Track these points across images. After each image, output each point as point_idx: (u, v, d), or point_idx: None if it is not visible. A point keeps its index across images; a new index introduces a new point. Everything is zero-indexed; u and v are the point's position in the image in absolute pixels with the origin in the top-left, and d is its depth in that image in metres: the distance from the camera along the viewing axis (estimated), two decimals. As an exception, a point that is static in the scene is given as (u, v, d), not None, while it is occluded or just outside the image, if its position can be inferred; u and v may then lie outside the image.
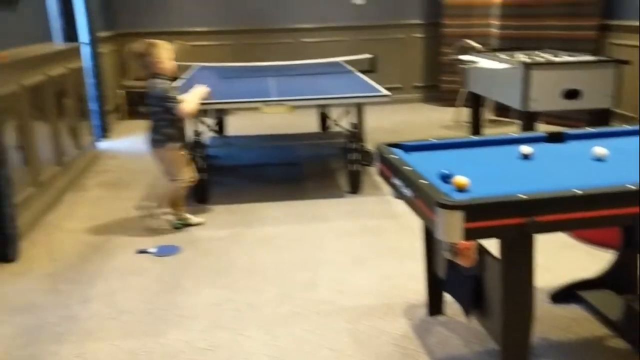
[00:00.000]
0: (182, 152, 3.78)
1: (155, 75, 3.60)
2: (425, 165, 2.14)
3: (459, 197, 1.81)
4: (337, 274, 3.15)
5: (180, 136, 3.74)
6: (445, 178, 1.99)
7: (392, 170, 2.23)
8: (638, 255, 2.48)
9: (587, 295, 2.60)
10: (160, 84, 3.58)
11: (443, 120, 6.88)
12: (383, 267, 3.20)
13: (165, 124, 3.62)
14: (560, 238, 3.39)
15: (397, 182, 2.18)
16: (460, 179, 1.92)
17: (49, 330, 2.68)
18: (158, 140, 3.65)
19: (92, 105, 5.96)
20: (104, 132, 6.31)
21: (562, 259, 3.19)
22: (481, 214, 1.75)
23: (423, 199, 1.90)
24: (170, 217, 3.82)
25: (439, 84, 7.77)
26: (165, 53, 3.60)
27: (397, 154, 2.32)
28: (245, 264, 3.29)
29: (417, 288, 2.90)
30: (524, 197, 1.76)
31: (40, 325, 2.71)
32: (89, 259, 3.42)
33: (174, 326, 2.68)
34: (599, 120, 4.55)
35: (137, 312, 2.81)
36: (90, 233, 3.80)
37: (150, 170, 5.13)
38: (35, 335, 2.63)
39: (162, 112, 3.60)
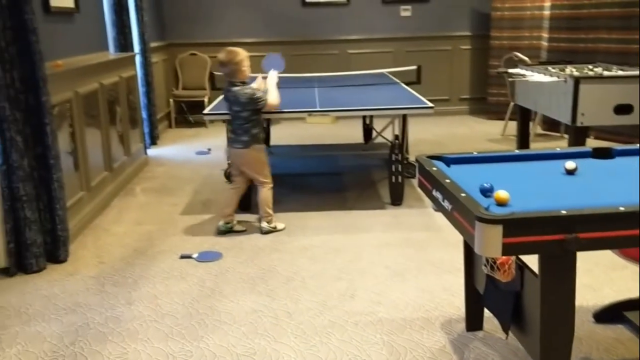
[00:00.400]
0: (266, 154, 3.96)
1: (234, 82, 3.77)
2: (466, 179, 2.12)
3: (499, 212, 1.79)
4: (375, 285, 3.14)
5: (263, 138, 3.95)
6: (486, 192, 1.97)
7: (432, 183, 2.23)
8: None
9: (632, 315, 2.51)
10: (246, 89, 3.76)
11: (490, 134, 6.78)
12: (422, 280, 3.18)
13: (252, 126, 3.80)
14: (608, 258, 3.29)
15: (437, 194, 2.17)
16: (500, 193, 1.90)
17: (94, 329, 2.77)
18: (246, 141, 3.80)
19: (143, 113, 6.14)
20: (153, 139, 6.49)
21: (609, 279, 3.10)
22: (520, 229, 1.72)
23: (462, 213, 1.89)
24: (265, 223, 3.93)
25: (487, 96, 7.68)
26: (246, 61, 3.79)
27: (438, 166, 2.31)
28: (285, 272, 3.32)
29: (456, 302, 2.87)
30: (565, 212, 1.72)
31: (86, 325, 2.81)
32: (134, 262, 3.52)
33: (213, 331, 2.72)
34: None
35: (178, 315, 2.88)
36: (136, 237, 3.91)
37: (195, 178, 5.27)
38: (80, 334, 2.72)
39: (250, 114, 3.77)
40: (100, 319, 2.87)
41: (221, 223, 3.93)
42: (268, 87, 3.93)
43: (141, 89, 6.23)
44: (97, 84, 4.47)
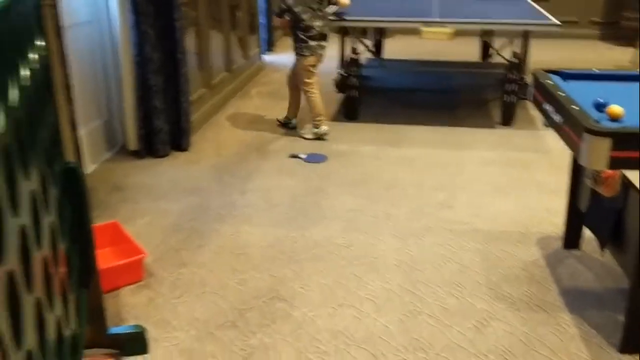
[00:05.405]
0: None
1: None
2: (581, 94, 2.09)
3: (609, 125, 1.77)
4: (475, 198, 3.20)
5: None
6: (600, 106, 1.94)
7: (545, 96, 2.21)
8: None
9: None
10: None
11: (619, 61, 6.33)
12: (524, 198, 3.19)
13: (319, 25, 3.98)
14: None
15: (549, 107, 2.16)
16: (615, 108, 1.87)
17: (212, 211, 3.07)
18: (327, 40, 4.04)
19: (260, 19, 6.29)
20: (269, 45, 6.66)
21: None
22: (630, 144, 1.71)
23: (571, 125, 1.88)
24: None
25: (620, 20, 7.09)
26: None
27: (554, 80, 2.28)
28: (386, 179, 3.45)
29: (556, 221, 2.87)
30: (680, 130, 1.68)
31: (204, 206, 3.12)
32: (248, 157, 3.78)
33: (317, 223, 2.93)
34: None
35: (286, 207, 3.11)
36: (251, 135, 4.17)
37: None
38: (199, 213, 3.04)
39: (321, 12, 3.96)
40: (218, 202, 3.16)
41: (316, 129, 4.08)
42: None
43: (261, -5, 6.33)
44: (221, -15, 4.64)
